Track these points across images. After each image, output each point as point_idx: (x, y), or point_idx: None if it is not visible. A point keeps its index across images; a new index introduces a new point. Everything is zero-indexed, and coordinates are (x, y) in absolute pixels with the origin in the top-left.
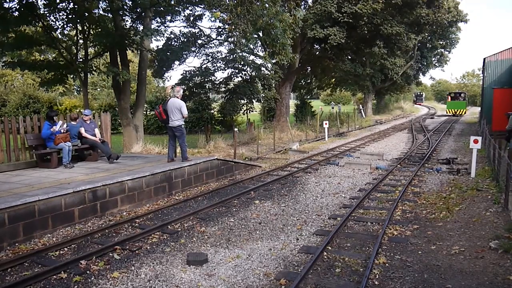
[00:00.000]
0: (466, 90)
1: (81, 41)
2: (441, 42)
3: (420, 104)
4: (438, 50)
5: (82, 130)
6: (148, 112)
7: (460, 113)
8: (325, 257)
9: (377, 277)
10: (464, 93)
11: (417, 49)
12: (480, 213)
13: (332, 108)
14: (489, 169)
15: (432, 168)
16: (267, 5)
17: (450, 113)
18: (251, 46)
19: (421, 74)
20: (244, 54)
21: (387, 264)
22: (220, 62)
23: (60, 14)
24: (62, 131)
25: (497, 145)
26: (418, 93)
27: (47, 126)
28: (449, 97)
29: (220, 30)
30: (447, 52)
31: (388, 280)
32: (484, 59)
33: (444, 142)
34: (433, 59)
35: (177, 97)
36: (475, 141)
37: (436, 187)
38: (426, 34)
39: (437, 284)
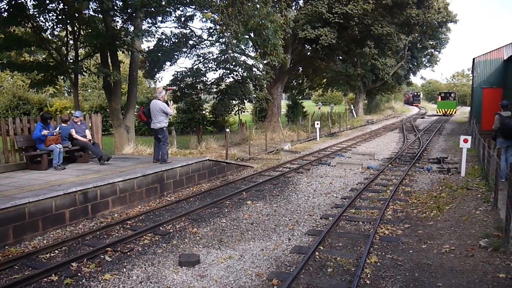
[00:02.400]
0: (456, 90)
1: (71, 41)
2: (431, 43)
3: (417, 106)
4: (428, 50)
5: (73, 131)
6: None
7: (450, 112)
8: (317, 257)
9: (368, 276)
10: (454, 93)
11: (408, 49)
12: (470, 211)
13: (319, 108)
14: (479, 168)
15: (423, 168)
16: (258, 6)
17: (440, 113)
18: (243, 47)
19: (411, 74)
20: (236, 54)
21: (378, 263)
22: (211, 63)
23: (50, 14)
24: (54, 133)
25: (486, 144)
26: (415, 93)
27: (40, 127)
28: (439, 97)
29: (211, 30)
30: (437, 52)
31: (380, 279)
32: (474, 59)
33: (435, 141)
34: (424, 59)
35: (158, 99)
36: (465, 141)
37: (427, 186)
38: (416, 35)
39: (428, 283)
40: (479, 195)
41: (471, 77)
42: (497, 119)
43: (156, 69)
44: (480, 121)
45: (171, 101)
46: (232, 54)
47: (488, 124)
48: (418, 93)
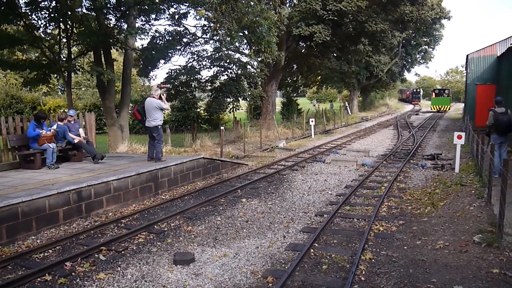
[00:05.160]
0: (450, 86)
1: (64, 40)
2: (425, 39)
3: (417, 104)
4: (422, 47)
5: (67, 130)
6: None
7: (444, 109)
8: (312, 254)
9: (363, 273)
10: (448, 89)
11: (402, 46)
12: (464, 207)
13: (314, 106)
14: (473, 164)
15: (417, 164)
16: (252, 3)
17: (434, 109)
18: (237, 44)
19: (406, 71)
20: (230, 52)
21: (373, 260)
22: (205, 61)
23: (42, 12)
24: (51, 130)
25: (480, 140)
26: (414, 90)
27: (33, 126)
28: (434, 94)
29: (205, 28)
30: (431, 49)
31: (374, 275)
32: (467, 55)
33: (429, 138)
34: (418, 56)
35: (153, 97)
36: (459, 137)
37: (421, 183)
38: (410, 31)
39: (422, 279)
40: (473, 191)
41: (465, 74)
42: (491, 115)
43: (150, 67)
44: (474, 117)
45: (164, 95)
46: (226, 52)
47: (482, 120)
48: (418, 90)
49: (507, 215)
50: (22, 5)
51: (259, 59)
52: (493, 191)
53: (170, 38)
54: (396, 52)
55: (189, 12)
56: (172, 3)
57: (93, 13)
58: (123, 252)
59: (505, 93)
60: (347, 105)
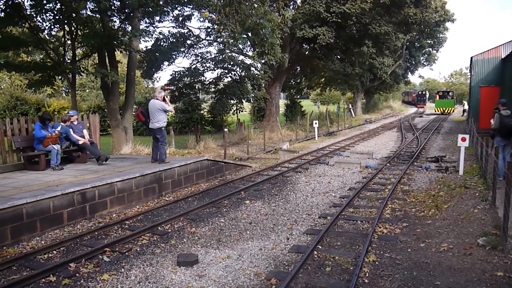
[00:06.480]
0: (454, 88)
1: (68, 42)
2: (429, 41)
3: (423, 107)
4: (426, 49)
5: (71, 132)
6: None
7: (449, 111)
8: (316, 256)
9: (367, 275)
10: (452, 91)
11: (406, 48)
12: (468, 210)
13: (318, 108)
14: (477, 166)
15: (421, 166)
16: (255, 5)
17: (438, 111)
18: (240, 46)
19: (409, 73)
20: (233, 54)
21: (377, 262)
22: (209, 63)
23: (47, 14)
24: (56, 131)
25: (484, 143)
26: (420, 92)
27: (39, 127)
28: (438, 96)
29: (209, 30)
30: (435, 51)
31: (378, 278)
32: (471, 58)
33: (433, 140)
34: (421, 58)
35: (157, 99)
36: (463, 139)
37: (425, 185)
38: (414, 34)
39: (426, 281)
40: (477, 194)
41: (469, 76)
42: (497, 118)
43: (154, 69)
44: (478, 119)
45: (168, 97)
46: (230, 54)
47: (486, 123)
48: (424, 92)
49: None
50: (27, 7)
51: (263, 61)
52: (497, 194)
53: (174, 40)
54: (400, 54)
55: (193, 14)
56: (176, 5)
57: (97, 15)
58: (127, 253)
59: (509, 95)
60: (350, 107)
